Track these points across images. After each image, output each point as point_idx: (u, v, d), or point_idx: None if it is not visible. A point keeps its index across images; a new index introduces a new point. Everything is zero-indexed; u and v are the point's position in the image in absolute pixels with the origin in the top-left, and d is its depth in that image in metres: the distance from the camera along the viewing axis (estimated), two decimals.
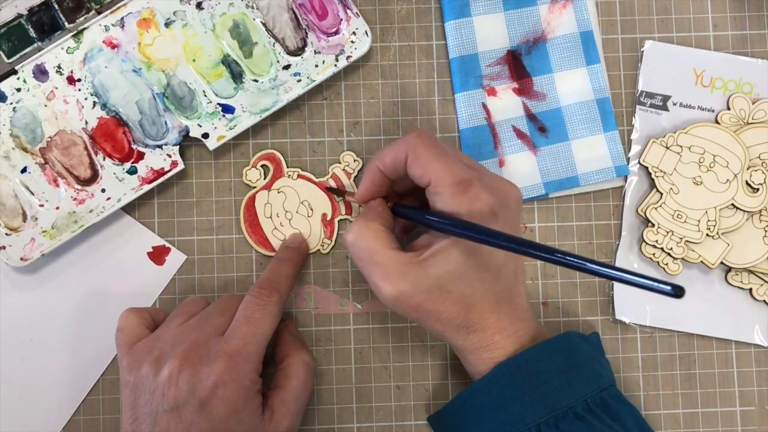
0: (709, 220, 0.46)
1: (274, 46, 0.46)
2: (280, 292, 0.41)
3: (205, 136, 0.46)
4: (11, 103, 0.45)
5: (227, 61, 0.46)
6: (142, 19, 0.46)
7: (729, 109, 0.48)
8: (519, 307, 0.40)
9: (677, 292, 0.29)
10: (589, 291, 0.48)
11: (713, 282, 0.47)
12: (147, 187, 0.45)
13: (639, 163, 0.47)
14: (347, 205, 0.47)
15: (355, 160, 0.47)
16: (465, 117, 0.47)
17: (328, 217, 0.47)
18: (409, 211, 0.41)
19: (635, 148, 0.48)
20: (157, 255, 0.47)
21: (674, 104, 0.48)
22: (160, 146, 0.46)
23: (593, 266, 0.32)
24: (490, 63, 0.48)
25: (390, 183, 0.42)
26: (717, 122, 0.47)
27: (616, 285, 0.47)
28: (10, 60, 0.45)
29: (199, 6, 0.46)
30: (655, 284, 0.30)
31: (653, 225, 0.47)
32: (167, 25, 0.46)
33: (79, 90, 0.45)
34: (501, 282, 0.39)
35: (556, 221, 0.48)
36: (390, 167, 0.40)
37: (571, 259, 0.33)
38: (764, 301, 0.47)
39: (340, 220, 0.47)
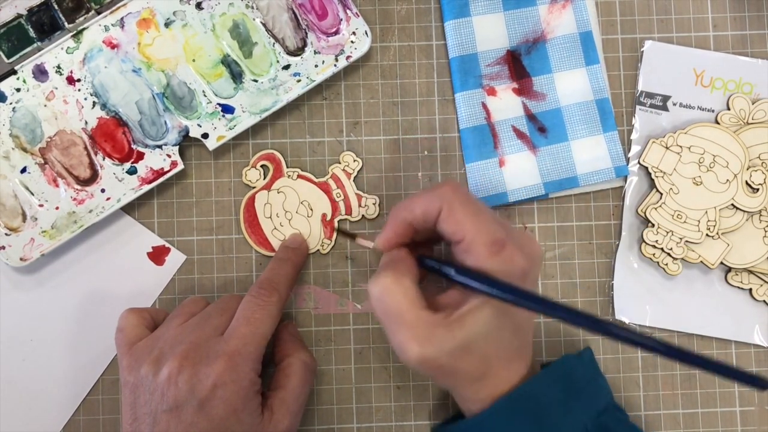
0: (709, 221, 0.46)
1: (273, 46, 0.46)
2: (280, 293, 0.41)
3: (205, 136, 0.46)
4: (11, 103, 0.45)
5: (227, 61, 0.46)
6: (141, 19, 0.46)
7: (729, 109, 0.48)
8: (527, 357, 0.39)
9: (763, 384, 0.30)
10: (589, 291, 0.48)
11: (713, 282, 0.47)
12: (147, 188, 0.45)
13: (639, 163, 0.47)
14: (347, 205, 0.47)
15: (354, 160, 0.47)
16: (465, 116, 0.47)
17: (328, 218, 0.47)
18: (442, 267, 0.38)
19: (635, 149, 0.48)
20: (157, 255, 0.47)
21: (674, 104, 0.48)
22: (159, 146, 0.46)
23: (654, 344, 0.32)
24: (490, 63, 0.48)
25: (414, 234, 0.40)
26: (717, 122, 0.47)
27: (616, 284, 0.47)
28: (10, 60, 0.45)
29: (198, 6, 0.46)
30: (743, 376, 0.30)
31: (653, 225, 0.47)
32: (167, 25, 0.46)
33: (79, 90, 0.45)
34: (518, 339, 0.38)
35: (556, 221, 0.48)
36: (420, 219, 0.38)
37: (622, 331, 0.32)
38: (764, 301, 0.47)
39: (340, 220, 0.47)
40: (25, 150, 0.45)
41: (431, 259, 0.39)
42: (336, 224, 0.47)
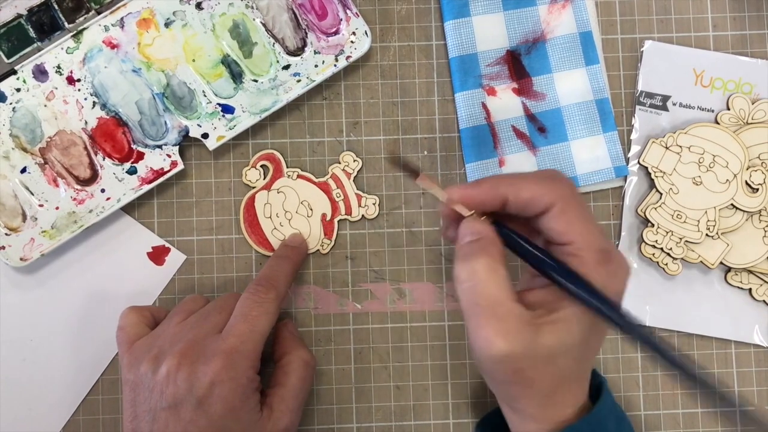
0: (708, 220, 0.46)
1: (273, 46, 0.46)
2: (278, 290, 0.41)
3: (205, 136, 0.46)
4: (11, 103, 0.45)
5: (227, 61, 0.46)
6: (141, 19, 0.46)
7: (729, 109, 0.48)
8: (586, 383, 0.36)
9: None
10: None
11: (713, 282, 0.47)
12: (147, 187, 0.45)
13: (639, 163, 0.47)
14: (347, 205, 0.47)
15: (354, 160, 0.47)
16: (465, 116, 0.47)
17: (328, 217, 0.47)
18: (548, 263, 0.34)
19: (635, 148, 0.48)
20: (157, 255, 0.47)
21: (674, 104, 0.48)
22: (159, 146, 0.46)
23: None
24: (490, 63, 0.48)
25: (499, 209, 0.36)
26: (717, 122, 0.47)
27: None
28: (10, 60, 0.45)
29: (198, 6, 0.46)
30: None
31: (653, 225, 0.47)
32: (167, 25, 0.46)
33: (79, 90, 0.45)
34: (589, 361, 0.36)
35: None
36: (522, 204, 0.34)
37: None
38: (764, 301, 0.47)
39: (340, 220, 0.47)
40: (25, 150, 0.45)
41: (522, 239, 0.35)
42: (398, 154, 0.40)
